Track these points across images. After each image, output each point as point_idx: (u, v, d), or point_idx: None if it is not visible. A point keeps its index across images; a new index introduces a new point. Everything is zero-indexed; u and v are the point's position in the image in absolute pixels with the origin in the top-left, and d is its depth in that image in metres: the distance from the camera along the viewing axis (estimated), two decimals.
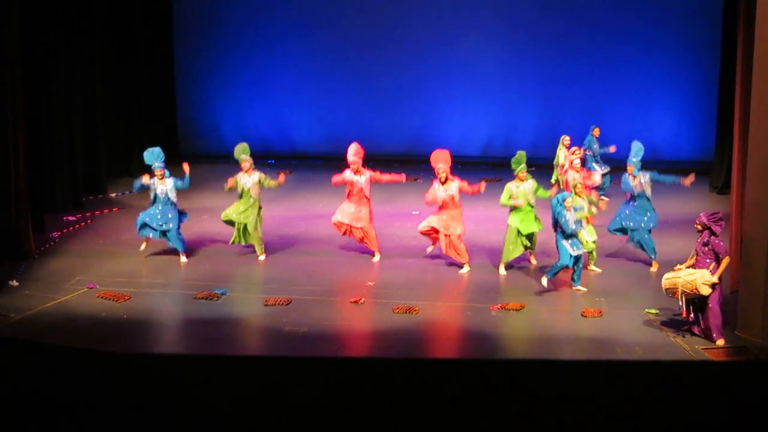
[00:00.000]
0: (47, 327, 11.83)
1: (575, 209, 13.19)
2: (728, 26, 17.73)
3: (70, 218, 16.33)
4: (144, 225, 14.36)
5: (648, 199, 13.96)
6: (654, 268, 13.99)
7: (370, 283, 13.45)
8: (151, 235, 14.38)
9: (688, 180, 14.20)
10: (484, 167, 18.82)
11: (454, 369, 10.38)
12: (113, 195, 18.20)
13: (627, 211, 14.10)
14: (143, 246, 14.59)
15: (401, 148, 20.35)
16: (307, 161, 20.24)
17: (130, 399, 9.12)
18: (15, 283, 13.20)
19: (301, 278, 13.80)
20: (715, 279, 11.47)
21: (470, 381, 9.58)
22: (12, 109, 13.88)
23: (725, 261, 11.57)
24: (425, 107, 20.50)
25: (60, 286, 13.18)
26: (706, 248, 11.54)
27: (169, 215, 14.33)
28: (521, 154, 14.05)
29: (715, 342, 11.51)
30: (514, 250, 14.01)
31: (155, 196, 14.38)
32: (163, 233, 14.36)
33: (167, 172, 14.49)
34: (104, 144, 18.43)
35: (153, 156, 14.47)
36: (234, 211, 14.39)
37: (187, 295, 12.98)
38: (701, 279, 11.37)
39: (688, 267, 11.67)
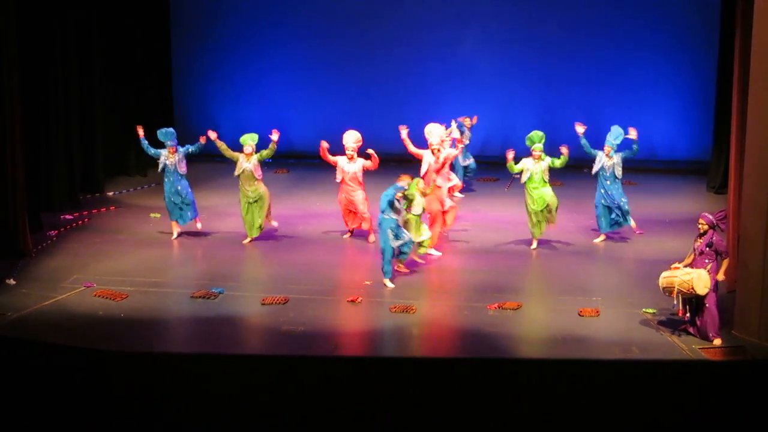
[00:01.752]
0: (44, 326, 11.82)
1: (407, 200, 13.42)
2: (725, 27, 17.73)
3: (68, 217, 16.31)
4: (172, 208, 15.30)
5: (617, 178, 15.02)
6: (599, 239, 15.32)
7: (368, 283, 13.45)
8: (178, 221, 15.33)
9: (632, 133, 15.18)
10: (482, 167, 18.80)
11: (451, 368, 10.39)
12: (110, 194, 18.19)
13: (602, 190, 15.09)
14: (174, 234, 15.35)
15: (399, 147, 20.31)
16: (304, 161, 20.23)
17: (128, 397, 9.11)
18: (12, 281, 13.19)
19: (298, 277, 13.80)
20: (720, 276, 11.49)
21: (467, 380, 9.58)
22: (9, 108, 13.87)
23: (727, 261, 11.58)
24: (423, 107, 20.45)
25: (57, 285, 13.17)
26: (709, 249, 11.53)
27: (180, 189, 15.22)
28: (535, 133, 14.86)
29: (712, 342, 11.53)
30: (536, 227, 14.88)
31: (165, 167, 15.28)
32: (181, 209, 15.31)
33: (179, 148, 15.37)
34: (101, 143, 18.40)
35: (166, 135, 15.43)
36: (243, 194, 15.15)
37: (184, 294, 12.97)
38: (698, 279, 11.38)
39: (685, 266, 11.68)
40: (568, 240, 15.39)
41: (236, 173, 15.15)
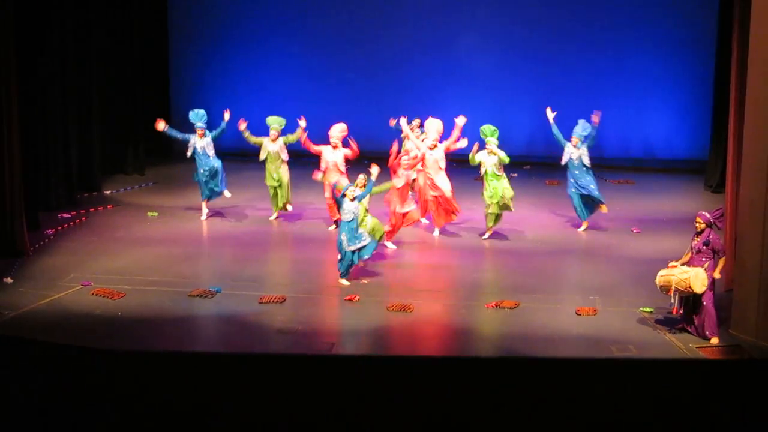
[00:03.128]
0: (41, 324, 11.82)
1: (358, 198, 13.36)
2: (723, 26, 17.74)
3: (65, 215, 16.30)
4: (202, 186, 16.04)
5: (585, 166, 15.54)
6: (583, 228, 15.71)
7: (365, 282, 13.45)
8: (209, 199, 16.15)
9: (595, 117, 15.57)
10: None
11: (448, 367, 10.39)
12: (108, 192, 18.17)
13: (572, 180, 15.59)
14: (204, 215, 16.20)
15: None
16: (301, 158, 20.20)
17: (125, 396, 9.11)
18: (9, 280, 13.18)
19: (295, 276, 13.80)
20: (717, 275, 11.50)
21: (465, 379, 9.59)
22: (6, 106, 13.85)
23: (723, 260, 11.59)
24: (420, 104, 20.43)
25: (54, 284, 13.16)
26: (705, 247, 11.55)
27: (211, 164, 15.91)
28: (487, 127, 15.18)
29: (709, 340, 11.54)
30: (489, 219, 15.21)
31: (195, 151, 15.92)
32: (211, 190, 16.04)
33: (207, 132, 15.94)
34: (99, 141, 18.38)
35: (197, 116, 16.01)
36: (269, 178, 15.94)
37: (181, 293, 12.96)
38: (695, 278, 11.39)
39: (682, 264, 11.69)
40: (566, 239, 15.39)
41: (261, 158, 15.87)
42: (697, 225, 11.69)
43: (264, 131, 16.05)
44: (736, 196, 12.45)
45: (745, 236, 11.72)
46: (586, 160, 15.54)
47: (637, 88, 20.53)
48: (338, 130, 15.57)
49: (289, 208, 16.27)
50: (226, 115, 15.92)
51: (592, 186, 15.57)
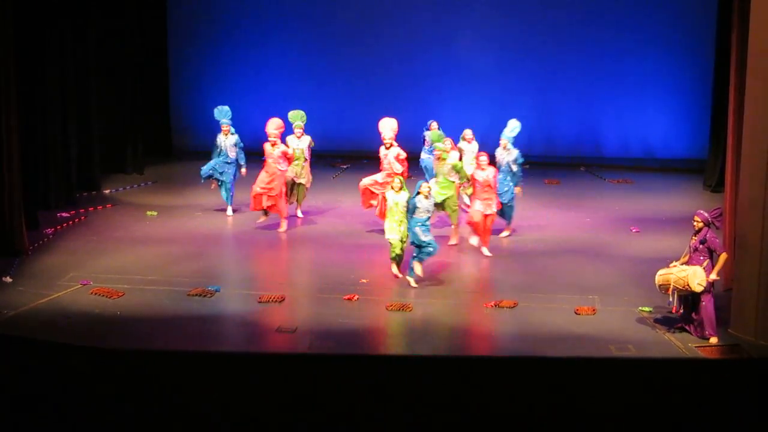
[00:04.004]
0: (40, 323, 11.81)
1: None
2: (722, 25, 17.74)
3: (64, 215, 16.29)
4: (212, 171, 16.28)
5: (512, 171, 15.06)
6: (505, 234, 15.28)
7: (364, 281, 13.45)
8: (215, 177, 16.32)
9: (517, 190, 15.26)
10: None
11: (447, 366, 10.40)
12: (107, 192, 18.16)
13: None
14: (213, 185, 16.48)
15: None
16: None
17: (124, 395, 9.11)
18: (8, 279, 13.18)
19: (294, 275, 13.80)
20: (714, 276, 11.50)
21: (464, 378, 9.59)
22: (5, 105, 13.85)
23: (722, 257, 11.59)
24: (419, 105, 20.46)
25: (53, 283, 13.15)
26: (702, 246, 11.56)
27: (226, 169, 16.17)
28: (433, 133, 15.17)
29: (708, 340, 11.54)
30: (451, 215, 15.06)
31: (219, 149, 16.19)
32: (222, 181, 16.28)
33: (233, 129, 16.15)
34: (98, 141, 18.37)
35: (221, 113, 16.20)
36: (292, 174, 15.87)
37: (180, 292, 12.96)
38: (693, 276, 11.39)
39: (681, 264, 11.70)
40: (565, 238, 15.39)
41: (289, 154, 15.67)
42: (695, 224, 11.70)
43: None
44: (735, 195, 12.46)
45: (744, 236, 11.72)
46: (514, 165, 15.11)
47: (636, 87, 20.54)
48: (274, 127, 15.64)
49: (299, 213, 16.22)
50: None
51: (510, 193, 15.15)
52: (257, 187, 15.50)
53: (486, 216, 14.50)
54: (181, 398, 9.05)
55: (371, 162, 18.76)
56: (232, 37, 21.16)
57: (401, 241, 13.28)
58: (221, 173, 16.21)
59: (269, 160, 15.53)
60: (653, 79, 20.45)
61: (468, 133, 16.35)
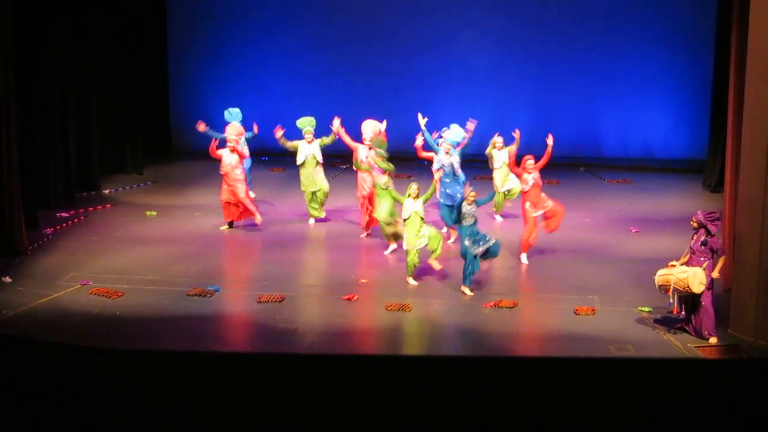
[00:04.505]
0: (40, 323, 11.82)
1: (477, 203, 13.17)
2: (722, 25, 17.74)
3: (64, 214, 16.29)
4: None
5: (456, 175, 14.82)
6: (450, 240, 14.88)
7: (364, 281, 13.45)
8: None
9: (470, 124, 15.26)
10: (478, 164, 18.76)
11: (447, 366, 10.39)
12: (107, 191, 18.16)
13: (443, 189, 14.79)
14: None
15: (395, 145, 20.28)
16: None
17: (123, 395, 9.11)
18: (8, 279, 13.18)
19: (294, 275, 13.80)
20: (715, 274, 11.50)
21: (463, 378, 9.58)
22: (5, 105, 13.85)
23: (722, 259, 11.58)
24: (419, 104, 20.42)
25: (53, 283, 13.15)
26: (704, 247, 11.55)
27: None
28: (375, 139, 14.96)
29: (707, 340, 11.54)
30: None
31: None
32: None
33: (244, 131, 16.13)
34: (98, 141, 18.37)
35: (233, 115, 16.32)
36: (307, 183, 15.79)
37: (179, 292, 12.96)
38: (693, 277, 11.39)
39: (681, 264, 11.69)
40: (564, 238, 15.38)
41: (299, 161, 15.70)
42: (692, 224, 11.72)
43: (265, 133, 16.07)
44: (734, 195, 12.46)
45: (743, 236, 11.71)
46: (458, 169, 14.89)
47: (635, 87, 20.53)
48: (234, 133, 15.77)
49: (322, 213, 16.07)
50: (256, 128, 16.28)
51: (458, 196, 14.76)
52: (225, 197, 15.45)
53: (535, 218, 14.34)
54: (181, 398, 9.05)
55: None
56: (232, 37, 21.15)
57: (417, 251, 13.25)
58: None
59: (227, 168, 15.41)
60: (653, 79, 20.43)
61: (498, 140, 16.05)
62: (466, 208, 13.03)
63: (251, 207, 15.59)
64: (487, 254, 13.14)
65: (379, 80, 20.91)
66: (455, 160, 14.87)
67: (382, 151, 14.71)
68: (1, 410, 8.92)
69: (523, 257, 14.29)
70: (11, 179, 13.99)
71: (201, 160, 18.99)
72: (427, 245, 13.29)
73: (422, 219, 13.38)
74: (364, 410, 8.92)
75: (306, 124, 15.80)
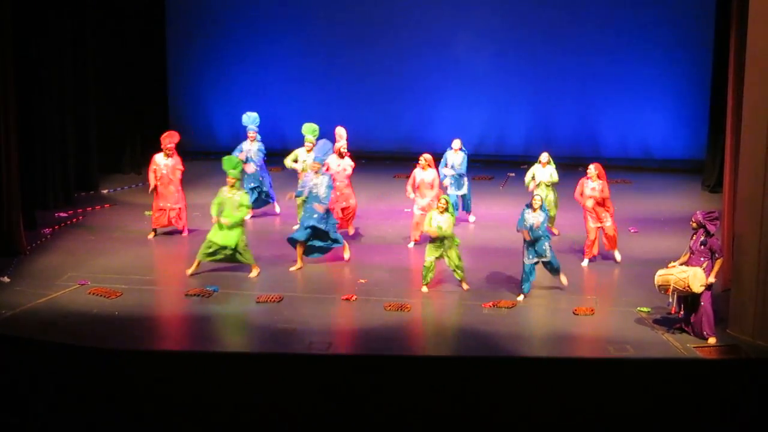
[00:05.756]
0: (38, 323, 11.81)
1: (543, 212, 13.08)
2: (720, 26, 17.74)
3: (62, 214, 16.28)
4: (249, 192, 15.80)
5: (319, 197, 14.17)
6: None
7: (363, 281, 13.45)
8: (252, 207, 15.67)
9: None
10: (477, 165, 18.79)
11: (445, 367, 10.39)
12: (105, 191, 18.15)
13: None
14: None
15: (393, 145, 20.31)
16: None
17: (122, 395, 9.11)
18: (6, 279, 13.17)
19: (292, 275, 13.80)
20: (711, 279, 11.49)
21: (462, 378, 9.58)
22: (4, 105, 13.84)
23: (719, 262, 11.58)
24: (418, 105, 20.47)
25: (51, 283, 13.15)
26: (703, 247, 11.56)
27: (259, 176, 16.12)
28: (231, 160, 14.46)
29: (706, 340, 11.54)
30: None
31: (247, 156, 15.98)
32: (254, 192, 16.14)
33: (258, 136, 16.10)
34: (96, 140, 18.36)
35: (250, 119, 16.20)
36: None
37: (178, 292, 12.96)
38: (694, 277, 11.39)
39: (681, 264, 11.69)
40: (564, 239, 15.38)
41: (300, 169, 15.41)
42: (692, 224, 11.72)
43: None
44: (733, 195, 12.46)
45: (742, 236, 11.72)
46: (322, 191, 14.10)
47: (634, 88, 20.52)
48: (175, 139, 15.39)
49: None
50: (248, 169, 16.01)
51: (315, 216, 14.47)
52: (163, 204, 15.18)
53: (598, 229, 14.24)
54: (179, 398, 9.05)
55: (369, 162, 18.80)
56: (232, 37, 21.13)
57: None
58: (261, 182, 16.15)
59: (164, 171, 15.16)
60: (652, 79, 20.42)
61: (544, 156, 15.58)
62: (529, 216, 12.93)
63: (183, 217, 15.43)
64: (549, 267, 13.07)
65: (379, 81, 20.90)
66: (322, 181, 14.13)
67: (321, 159, 14.37)
68: (1, 410, 8.91)
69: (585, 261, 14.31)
70: (10, 179, 13.98)
71: (199, 160, 19.01)
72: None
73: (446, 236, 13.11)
74: (364, 410, 8.92)
75: (309, 131, 15.62)
